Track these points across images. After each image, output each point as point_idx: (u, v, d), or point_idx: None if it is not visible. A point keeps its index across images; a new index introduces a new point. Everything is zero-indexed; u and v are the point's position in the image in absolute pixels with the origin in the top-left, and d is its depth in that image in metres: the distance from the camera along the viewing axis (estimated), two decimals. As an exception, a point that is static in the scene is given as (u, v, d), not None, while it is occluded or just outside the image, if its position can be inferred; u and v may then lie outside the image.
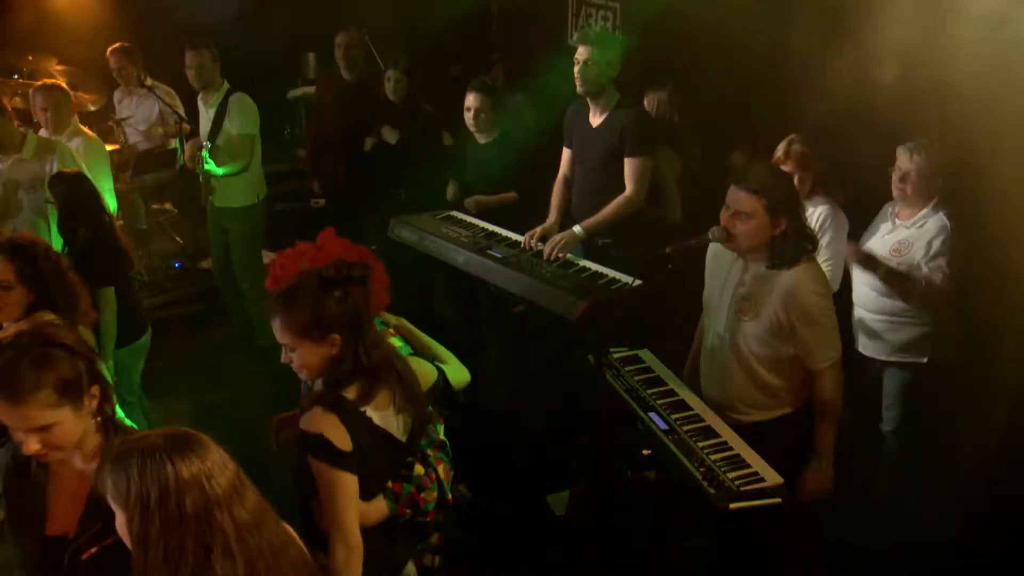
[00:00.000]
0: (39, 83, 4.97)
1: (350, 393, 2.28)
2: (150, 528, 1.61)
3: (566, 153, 4.39)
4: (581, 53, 4.02)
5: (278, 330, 2.28)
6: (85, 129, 4.90)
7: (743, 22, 4.32)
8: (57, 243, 4.10)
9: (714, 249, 3.14)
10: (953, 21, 3.41)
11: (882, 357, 3.68)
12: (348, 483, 2.21)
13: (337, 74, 5.79)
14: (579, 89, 4.10)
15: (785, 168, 3.64)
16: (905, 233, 3.54)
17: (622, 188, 4.09)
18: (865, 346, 3.70)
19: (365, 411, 2.29)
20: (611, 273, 3.89)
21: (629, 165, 4.07)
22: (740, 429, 2.97)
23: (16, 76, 6.38)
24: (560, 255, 4.04)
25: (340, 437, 2.20)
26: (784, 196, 2.83)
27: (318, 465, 2.20)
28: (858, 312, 3.69)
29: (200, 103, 5.37)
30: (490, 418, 4.65)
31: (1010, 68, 3.30)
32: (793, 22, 4.12)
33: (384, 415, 2.34)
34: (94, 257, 3.72)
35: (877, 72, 3.97)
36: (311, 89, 7.27)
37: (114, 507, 1.67)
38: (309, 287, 2.27)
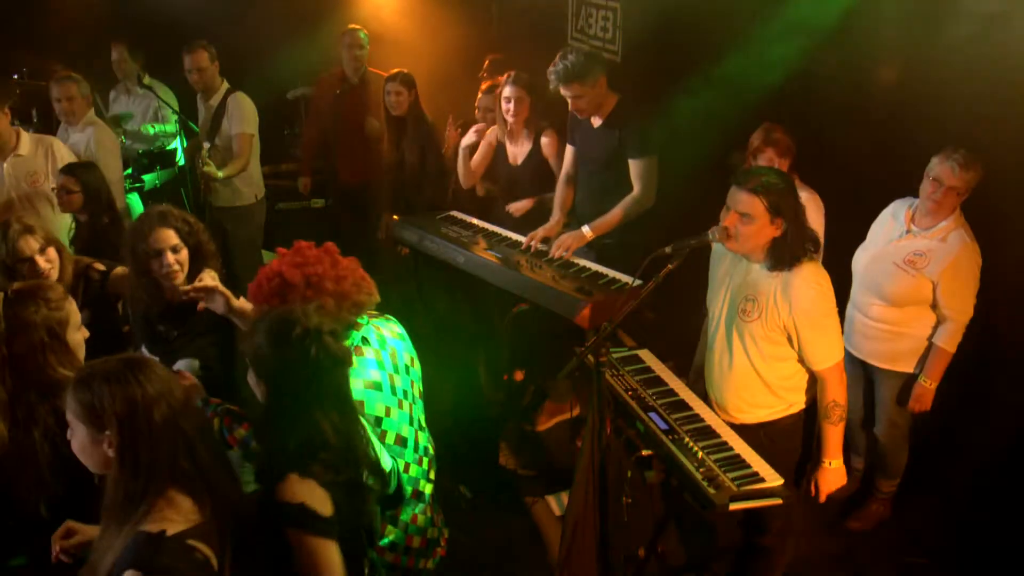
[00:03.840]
0: (56, 75, 5.02)
1: (316, 467, 2.07)
2: (128, 440, 1.82)
3: (569, 150, 4.38)
4: (569, 92, 4.00)
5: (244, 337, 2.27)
6: (99, 121, 4.96)
7: (743, 21, 4.33)
8: (62, 232, 4.18)
9: (717, 250, 3.14)
10: (953, 20, 3.42)
11: (873, 362, 3.68)
12: (333, 552, 2.03)
13: (338, 74, 5.80)
14: (583, 116, 4.13)
15: (763, 155, 3.67)
16: (924, 243, 3.44)
17: (626, 189, 4.09)
18: (857, 348, 3.69)
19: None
20: (611, 273, 3.89)
21: (634, 166, 4.06)
22: (745, 429, 2.98)
23: (16, 76, 6.38)
24: (565, 255, 4.03)
25: (322, 502, 2.04)
26: (784, 197, 2.82)
27: (300, 536, 2.01)
28: (854, 314, 3.68)
29: (199, 103, 5.39)
30: (489, 418, 4.65)
31: (1009, 67, 3.31)
32: (792, 21, 4.12)
33: None
34: (110, 245, 3.80)
35: (877, 72, 3.98)
36: (311, 89, 7.28)
37: (80, 425, 1.87)
38: (265, 326, 2.18)
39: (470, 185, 4.81)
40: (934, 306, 3.48)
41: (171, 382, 1.92)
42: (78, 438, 1.89)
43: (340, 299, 2.53)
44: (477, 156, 4.72)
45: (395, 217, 4.80)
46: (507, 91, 4.43)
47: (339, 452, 2.12)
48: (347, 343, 2.45)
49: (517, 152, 4.63)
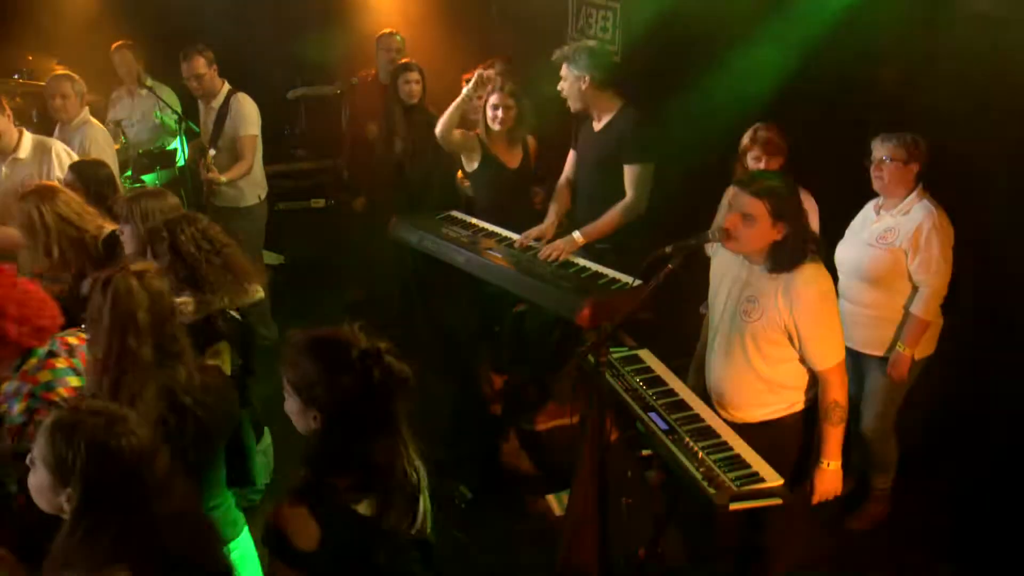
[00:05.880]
0: (54, 72, 5.02)
1: (341, 482, 1.97)
2: (87, 505, 1.76)
3: (571, 155, 4.39)
4: (561, 72, 4.11)
5: (284, 364, 2.06)
6: (94, 120, 4.95)
7: (743, 21, 4.33)
8: None
9: (719, 250, 3.13)
10: (952, 20, 3.43)
11: (866, 351, 3.69)
12: None
13: (372, 75, 5.84)
14: (569, 102, 4.17)
15: (751, 153, 3.75)
16: (891, 221, 3.57)
17: (620, 193, 4.08)
18: (849, 338, 3.67)
19: (352, 506, 1.98)
20: (611, 273, 3.89)
21: (628, 172, 4.06)
22: (746, 428, 2.98)
23: (16, 76, 6.38)
24: (557, 258, 4.04)
25: (305, 534, 1.90)
26: (786, 200, 2.82)
27: (275, 564, 1.92)
28: (843, 304, 3.68)
29: (201, 104, 5.40)
30: (489, 418, 4.65)
31: (1008, 66, 3.31)
32: (792, 21, 4.12)
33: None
34: (118, 245, 3.78)
35: (876, 71, 3.98)
36: (311, 89, 7.29)
37: (43, 470, 1.78)
38: (326, 352, 2.01)
39: (441, 130, 4.62)
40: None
41: (146, 435, 1.85)
42: (38, 478, 1.82)
43: (21, 323, 2.44)
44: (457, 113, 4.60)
45: (395, 218, 4.80)
46: (494, 99, 4.45)
47: (380, 478, 2.00)
48: (33, 359, 2.43)
49: (510, 159, 4.63)
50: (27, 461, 1.84)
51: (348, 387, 1.96)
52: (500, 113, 4.43)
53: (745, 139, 3.81)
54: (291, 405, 2.06)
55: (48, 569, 1.79)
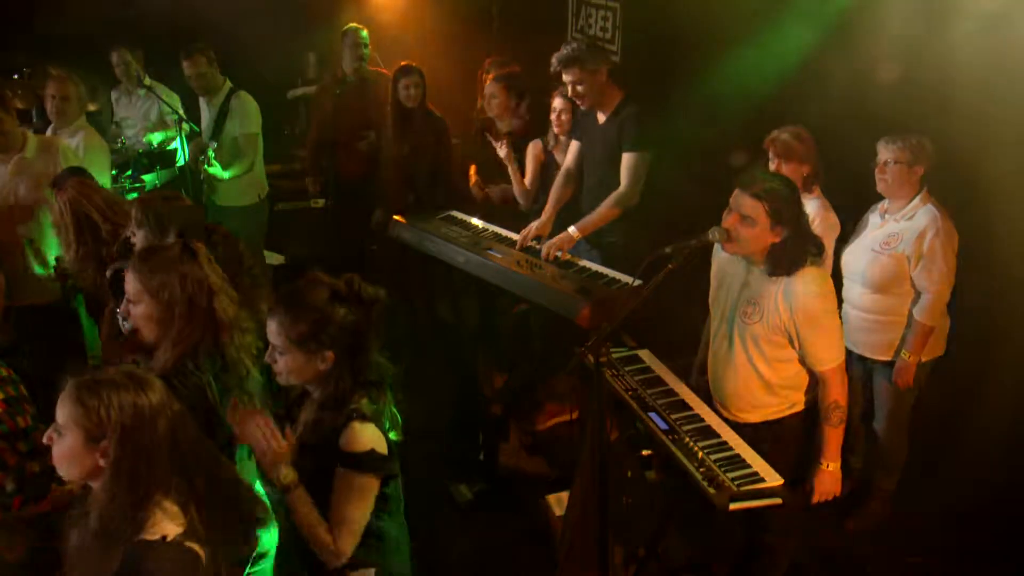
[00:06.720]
0: (55, 71, 4.97)
1: (364, 406, 2.24)
2: (127, 452, 1.81)
3: (573, 146, 4.39)
4: (569, 76, 4.06)
5: (272, 330, 2.24)
6: (90, 127, 4.91)
7: (742, 21, 4.33)
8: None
9: (718, 251, 3.13)
10: (953, 20, 3.42)
11: (872, 355, 3.69)
12: (375, 487, 2.23)
13: (340, 73, 5.83)
14: (583, 105, 4.16)
15: (769, 154, 3.69)
16: (895, 227, 3.55)
17: None
18: (855, 343, 3.69)
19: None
20: (611, 273, 3.89)
21: (625, 159, 4.06)
22: (747, 428, 2.98)
23: (16, 76, 6.37)
24: (560, 255, 4.03)
25: (382, 444, 2.22)
26: (787, 203, 2.81)
27: (358, 476, 2.19)
28: (848, 310, 3.69)
29: (202, 103, 5.40)
30: (490, 418, 4.65)
31: (1009, 66, 3.31)
32: (793, 21, 4.12)
33: None
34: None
35: (877, 71, 3.97)
36: (311, 89, 7.29)
37: (75, 430, 1.83)
38: (317, 297, 2.23)
39: (530, 205, 4.74)
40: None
41: (170, 395, 1.92)
42: (67, 444, 1.84)
43: None
44: (530, 175, 4.73)
45: (396, 217, 4.80)
46: (556, 103, 4.54)
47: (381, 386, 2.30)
48: None
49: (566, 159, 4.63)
50: (44, 439, 1.89)
51: (351, 316, 2.23)
52: (563, 117, 4.54)
53: (767, 140, 3.75)
54: (290, 363, 2.23)
55: (72, 523, 1.89)
